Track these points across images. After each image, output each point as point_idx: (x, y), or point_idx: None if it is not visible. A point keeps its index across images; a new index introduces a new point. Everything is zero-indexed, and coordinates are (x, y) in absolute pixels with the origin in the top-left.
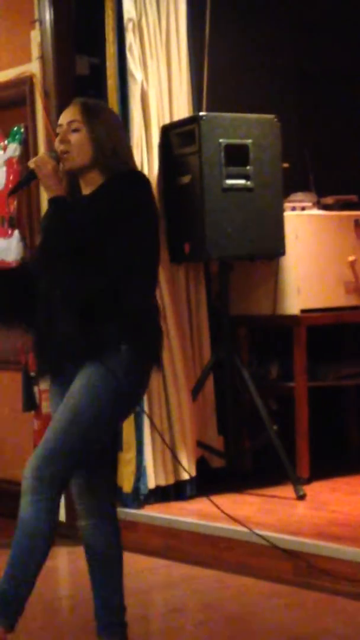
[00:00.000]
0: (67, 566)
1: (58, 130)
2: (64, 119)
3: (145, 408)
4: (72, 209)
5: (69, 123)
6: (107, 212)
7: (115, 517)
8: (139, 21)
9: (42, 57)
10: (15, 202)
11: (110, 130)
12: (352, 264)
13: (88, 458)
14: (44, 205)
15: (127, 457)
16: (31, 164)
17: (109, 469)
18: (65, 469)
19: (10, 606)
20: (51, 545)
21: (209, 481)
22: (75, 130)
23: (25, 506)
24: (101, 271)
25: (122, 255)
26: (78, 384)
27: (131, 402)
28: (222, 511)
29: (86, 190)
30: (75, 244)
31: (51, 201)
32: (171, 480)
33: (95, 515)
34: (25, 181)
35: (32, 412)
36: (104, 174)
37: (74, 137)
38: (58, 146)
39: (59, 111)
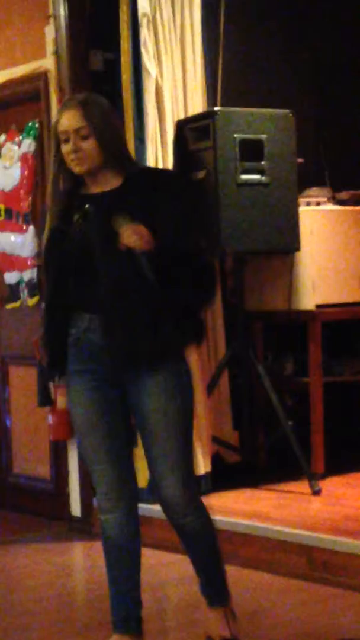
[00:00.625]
0: (82, 561)
1: (64, 137)
2: (69, 125)
3: None
4: (112, 206)
5: (76, 131)
6: (150, 209)
7: (137, 512)
8: (154, 16)
9: (57, 53)
10: (30, 199)
11: (114, 129)
12: None
13: None
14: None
15: (142, 453)
16: (132, 243)
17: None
18: (194, 476)
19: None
20: None
21: (224, 476)
22: (85, 138)
23: (194, 522)
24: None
25: (191, 252)
26: (164, 401)
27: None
28: None
29: (96, 189)
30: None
31: (90, 198)
32: None
33: (122, 508)
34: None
35: (47, 408)
36: (117, 171)
37: (85, 145)
38: (72, 153)
39: None
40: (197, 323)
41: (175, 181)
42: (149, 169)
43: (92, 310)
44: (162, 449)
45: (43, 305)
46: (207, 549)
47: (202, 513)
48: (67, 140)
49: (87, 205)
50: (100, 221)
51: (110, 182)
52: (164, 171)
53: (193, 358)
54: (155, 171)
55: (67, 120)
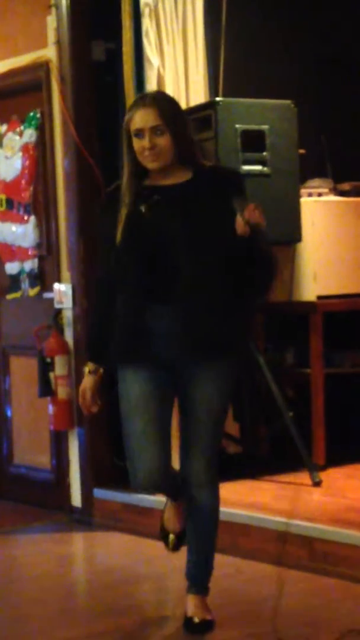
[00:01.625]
0: (83, 551)
1: (137, 132)
2: (145, 122)
3: None
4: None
5: (152, 129)
6: (218, 204)
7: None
8: (156, 6)
9: (59, 42)
10: (31, 189)
11: (185, 126)
12: None
13: None
14: (60, 192)
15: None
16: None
17: None
18: (217, 462)
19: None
20: None
21: (225, 467)
22: (161, 134)
23: (208, 499)
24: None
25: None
26: (212, 390)
27: None
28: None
29: (165, 181)
30: (199, 230)
31: (166, 189)
32: None
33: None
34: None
35: (48, 398)
36: (186, 165)
37: (160, 141)
38: (145, 152)
39: (75, 96)
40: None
41: (242, 180)
42: (219, 166)
43: (163, 299)
44: (201, 431)
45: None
46: (209, 534)
47: (217, 496)
48: (139, 136)
49: (155, 196)
50: (181, 211)
51: (180, 176)
52: (233, 170)
53: None
54: (225, 169)
55: (143, 117)
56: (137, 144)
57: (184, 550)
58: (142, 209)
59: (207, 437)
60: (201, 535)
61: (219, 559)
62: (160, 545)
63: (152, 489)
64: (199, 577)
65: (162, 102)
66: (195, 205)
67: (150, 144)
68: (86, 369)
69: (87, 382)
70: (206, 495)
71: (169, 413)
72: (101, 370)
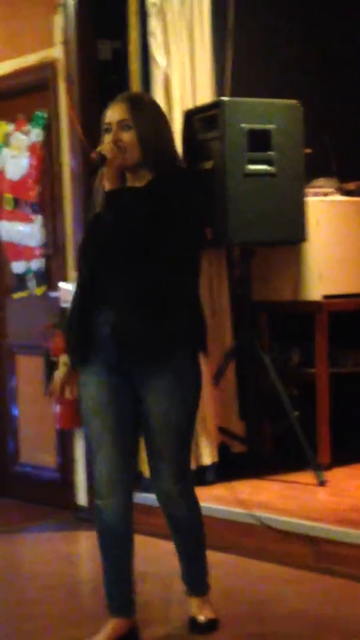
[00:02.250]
0: (88, 550)
1: (106, 127)
2: (113, 116)
3: None
4: (129, 202)
5: (119, 122)
6: (170, 207)
7: (132, 500)
8: (162, 5)
9: (65, 42)
10: (38, 188)
11: (157, 128)
12: None
13: None
14: (66, 191)
15: None
16: (107, 153)
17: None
18: (190, 472)
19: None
20: None
21: (229, 466)
22: (126, 128)
23: (186, 514)
24: (162, 266)
25: (183, 249)
26: (167, 398)
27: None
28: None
29: (133, 184)
30: (137, 236)
31: (111, 193)
32: (192, 466)
33: (120, 495)
34: (99, 165)
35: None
36: (152, 170)
37: (126, 136)
38: (107, 146)
39: (82, 96)
40: (202, 327)
41: (192, 182)
42: (179, 171)
43: (110, 301)
44: (161, 443)
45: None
46: (195, 540)
47: (194, 506)
48: (108, 131)
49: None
50: (125, 217)
51: (144, 179)
52: (186, 172)
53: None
54: (181, 173)
55: (113, 112)
56: (105, 139)
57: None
58: (97, 212)
59: (169, 449)
60: (187, 544)
61: (223, 558)
62: (165, 543)
63: (105, 492)
64: (195, 580)
65: (135, 99)
66: (138, 211)
67: (114, 137)
68: (62, 360)
69: (60, 372)
70: (180, 509)
71: (127, 418)
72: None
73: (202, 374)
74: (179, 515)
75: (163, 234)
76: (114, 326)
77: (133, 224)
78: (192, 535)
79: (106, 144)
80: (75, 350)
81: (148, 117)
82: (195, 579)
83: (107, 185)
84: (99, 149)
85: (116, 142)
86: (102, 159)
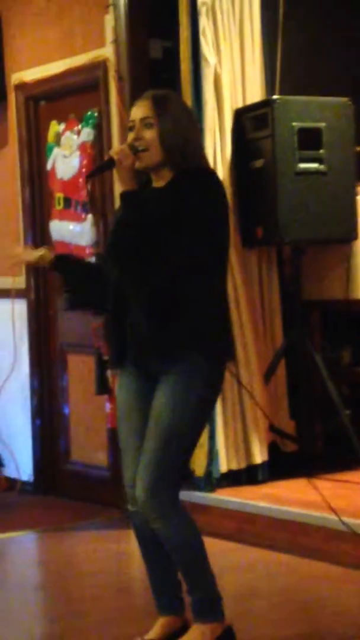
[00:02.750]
0: (137, 548)
1: (131, 124)
2: (136, 114)
3: None
4: (142, 203)
5: (142, 119)
6: (178, 208)
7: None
8: (213, 4)
9: (116, 41)
10: (89, 187)
11: (179, 127)
12: None
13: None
14: (117, 190)
15: (199, 441)
16: (114, 154)
17: None
18: (176, 484)
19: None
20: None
21: (280, 465)
22: (149, 126)
23: (163, 528)
24: (173, 267)
25: (192, 250)
26: (164, 402)
27: (213, 402)
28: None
29: (157, 184)
30: (147, 238)
31: (123, 195)
32: (243, 465)
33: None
34: (104, 168)
35: (105, 396)
36: (173, 170)
37: (148, 134)
38: (133, 142)
39: (133, 95)
40: (219, 330)
41: (199, 180)
42: (191, 171)
43: (129, 307)
44: (146, 447)
45: None
46: (183, 560)
47: (173, 523)
48: (132, 129)
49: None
50: (128, 218)
51: (165, 179)
52: (195, 173)
53: None
54: (189, 171)
55: (137, 109)
56: (129, 137)
57: (240, 547)
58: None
59: (149, 449)
60: (175, 564)
61: (275, 557)
62: (215, 541)
63: (132, 499)
64: (192, 603)
65: (160, 97)
66: (149, 213)
67: (136, 135)
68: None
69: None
70: (156, 525)
71: None
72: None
73: (221, 390)
74: (157, 529)
75: (174, 236)
76: (130, 326)
77: (144, 226)
78: (180, 554)
79: (116, 147)
80: (110, 353)
81: (172, 115)
82: (193, 600)
83: (121, 187)
84: (112, 152)
85: (135, 140)
86: (110, 161)
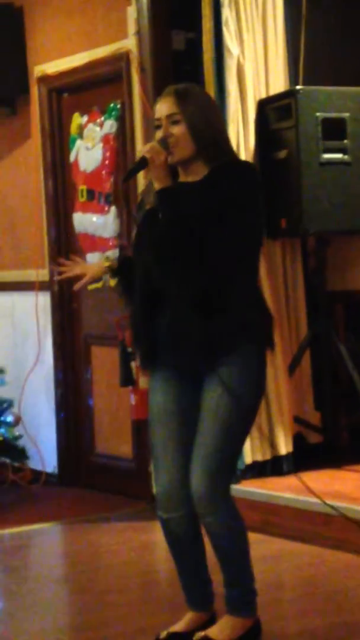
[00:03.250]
0: (162, 540)
1: (157, 123)
2: (161, 112)
3: None
4: (182, 199)
5: (168, 117)
6: (222, 203)
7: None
8: None
9: (139, 33)
10: (111, 179)
11: (208, 118)
12: None
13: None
14: (141, 182)
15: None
16: (146, 153)
17: None
18: (230, 477)
19: (254, 603)
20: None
21: (306, 457)
22: (176, 123)
23: (215, 521)
24: (219, 261)
25: (237, 245)
26: (219, 394)
27: (263, 391)
28: (309, 489)
29: (187, 179)
30: (192, 234)
31: (162, 192)
32: (268, 456)
33: (182, 510)
34: (138, 169)
35: (130, 388)
36: (207, 163)
37: (176, 129)
38: (147, 147)
39: (156, 87)
40: (263, 322)
41: (242, 173)
42: (231, 161)
43: (166, 300)
44: (202, 440)
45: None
46: (228, 554)
47: (225, 517)
48: (158, 128)
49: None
50: (171, 214)
51: (197, 174)
52: (238, 163)
53: None
54: (231, 164)
55: (160, 107)
56: (155, 136)
57: (266, 538)
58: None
59: (208, 442)
60: (220, 554)
61: (301, 549)
62: (255, 536)
63: (167, 505)
64: (229, 596)
65: (182, 91)
66: (192, 208)
67: (163, 133)
68: (106, 263)
69: (97, 268)
70: (209, 517)
71: (192, 428)
72: (113, 268)
73: (267, 374)
74: (208, 523)
75: (219, 230)
76: (169, 325)
77: (187, 222)
78: (226, 549)
79: (145, 145)
80: (141, 354)
81: (197, 108)
82: (230, 594)
83: (158, 185)
84: (143, 151)
85: (166, 137)
86: (143, 161)
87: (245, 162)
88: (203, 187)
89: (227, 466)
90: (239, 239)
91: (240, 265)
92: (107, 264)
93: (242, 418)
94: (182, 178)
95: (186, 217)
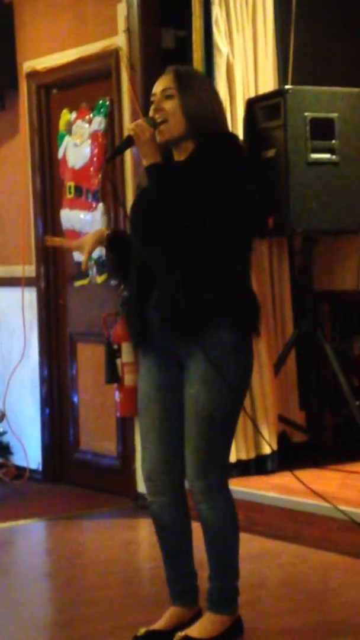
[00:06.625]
0: (148, 537)
1: (152, 99)
2: (158, 87)
3: None
4: (168, 175)
5: (163, 91)
6: (205, 177)
7: (184, 496)
8: None
9: (129, 30)
10: (100, 176)
11: (203, 98)
12: None
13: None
14: (129, 179)
15: None
16: (129, 130)
17: None
18: (224, 465)
19: (235, 601)
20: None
21: (289, 456)
22: (169, 97)
23: (208, 511)
24: (204, 238)
25: (222, 221)
26: (199, 387)
27: (247, 378)
28: (307, 486)
29: (178, 157)
30: (176, 210)
31: (150, 168)
32: (252, 455)
33: (167, 493)
34: (123, 147)
35: (115, 385)
36: (196, 141)
37: (168, 104)
38: (153, 115)
39: (145, 84)
40: (247, 306)
41: (224, 146)
42: (214, 138)
43: (150, 284)
44: (189, 433)
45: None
46: (217, 546)
47: (219, 507)
48: (153, 103)
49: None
50: (157, 191)
51: (186, 152)
52: (221, 139)
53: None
54: (214, 137)
55: (158, 83)
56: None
57: (251, 537)
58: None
59: (193, 437)
60: (207, 548)
61: (284, 547)
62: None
63: (152, 489)
64: (210, 591)
65: (182, 70)
66: (176, 186)
67: (156, 106)
68: (107, 231)
69: (97, 235)
70: (203, 507)
71: (177, 414)
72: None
73: (253, 364)
74: (201, 511)
75: (205, 206)
76: (155, 303)
77: (173, 198)
78: (217, 539)
79: (131, 124)
80: (133, 334)
81: (193, 87)
82: (212, 589)
83: (145, 162)
84: (127, 128)
85: (155, 112)
86: (128, 139)
87: (228, 134)
88: (189, 164)
89: (216, 458)
90: (227, 214)
91: (229, 242)
92: (107, 231)
93: (222, 412)
94: (176, 158)
95: (172, 193)
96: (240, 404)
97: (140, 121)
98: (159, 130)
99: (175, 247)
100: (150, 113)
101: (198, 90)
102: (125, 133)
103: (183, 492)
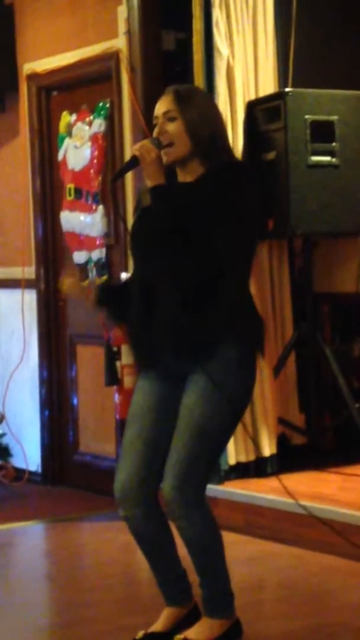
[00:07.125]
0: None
1: (155, 122)
2: (159, 110)
3: None
4: (175, 197)
5: (165, 114)
6: (213, 202)
7: (159, 510)
8: None
9: (129, 33)
10: (99, 178)
11: (206, 117)
12: None
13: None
14: (129, 182)
15: None
16: (135, 151)
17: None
18: (203, 482)
19: (230, 605)
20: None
21: (289, 458)
22: (172, 120)
23: (185, 528)
24: (207, 259)
25: (228, 244)
26: (194, 400)
27: (246, 401)
28: (287, 490)
29: (184, 179)
30: (181, 230)
31: (154, 190)
32: (252, 457)
33: (139, 509)
34: (128, 167)
35: (114, 387)
36: (204, 163)
37: (171, 127)
38: (137, 145)
39: (145, 86)
40: (251, 326)
41: (232, 175)
42: (225, 164)
43: (157, 297)
44: (176, 444)
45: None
46: (201, 560)
47: (196, 522)
48: (157, 126)
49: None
50: (163, 212)
51: (193, 174)
52: (229, 163)
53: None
54: (223, 164)
55: (159, 105)
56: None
57: (248, 540)
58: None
59: (180, 448)
60: (192, 561)
61: (282, 550)
62: (223, 533)
63: (124, 503)
64: (203, 599)
65: (182, 90)
66: (183, 207)
67: (159, 129)
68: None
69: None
70: (181, 525)
71: (166, 432)
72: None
73: (256, 381)
74: (181, 528)
75: (210, 229)
76: (157, 323)
77: (177, 219)
78: (200, 555)
79: (137, 144)
80: (136, 359)
81: (195, 107)
82: (205, 597)
83: (150, 183)
84: (133, 149)
85: (159, 135)
86: (133, 160)
87: (239, 164)
88: (198, 187)
89: (197, 474)
90: (230, 238)
91: (231, 264)
92: (99, 282)
93: (213, 430)
94: (181, 178)
95: (176, 215)
96: (236, 423)
97: (145, 142)
98: (165, 152)
99: (177, 268)
100: (155, 134)
101: (200, 109)
102: (130, 153)
103: (157, 503)
